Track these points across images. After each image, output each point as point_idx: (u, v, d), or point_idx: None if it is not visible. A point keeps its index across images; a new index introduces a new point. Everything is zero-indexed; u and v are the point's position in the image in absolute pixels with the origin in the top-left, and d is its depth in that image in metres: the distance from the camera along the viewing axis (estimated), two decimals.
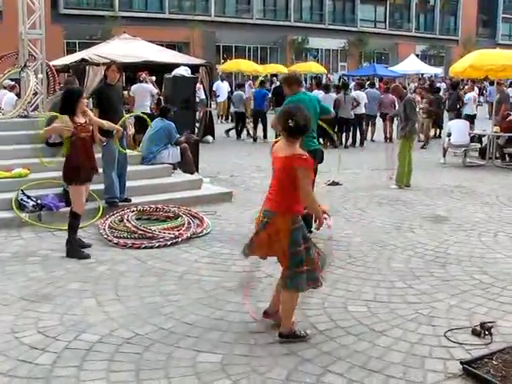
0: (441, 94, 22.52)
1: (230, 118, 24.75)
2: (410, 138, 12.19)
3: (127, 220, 8.43)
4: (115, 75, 9.57)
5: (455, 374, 4.55)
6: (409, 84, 38.15)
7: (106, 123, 8.40)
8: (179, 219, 8.75)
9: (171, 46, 33.58)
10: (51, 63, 14.02)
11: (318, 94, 20.50)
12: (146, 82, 16.89)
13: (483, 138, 16.97)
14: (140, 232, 8.18)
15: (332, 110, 9.97)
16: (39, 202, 8.92)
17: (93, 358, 4.77)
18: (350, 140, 19.47)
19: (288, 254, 4.98)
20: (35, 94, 11.89)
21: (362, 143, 19.41)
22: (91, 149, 7.74)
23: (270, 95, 21.37)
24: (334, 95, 19.04)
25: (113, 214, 8.69)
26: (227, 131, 21.37)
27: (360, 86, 21.45)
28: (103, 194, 9.32)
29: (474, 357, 4.72)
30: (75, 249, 7.40)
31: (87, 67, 16.38)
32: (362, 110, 19.48)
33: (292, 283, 5.02)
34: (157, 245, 7.86)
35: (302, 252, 4.99)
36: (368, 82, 27.44)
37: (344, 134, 19.31)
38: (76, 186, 7.46)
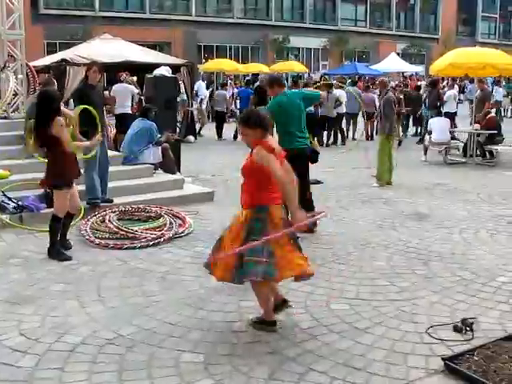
0: (421, 91, 22.58)
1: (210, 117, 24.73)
2: (390, 136, 12.25)
3: (109, 221, 8.41)
4: (96, 76, 9.53)
5: (437, 370, 4.58)
6: (390, 82, 38.27)
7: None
8: (161, 219, 8.73)
9: (152, 45, 33.44)
10: (31, 64, 13.94)
11: None
12: (128, 82, 16.84)
13: (456, 134, 17.06)
14: (122, 233, 8.16)
15: (318, 92, 9.74)
16: (20, 203, 8.87)
17: (75, 359, 4.75)
18: (332, 138, 19.55)
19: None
20: (15, 94, 11.82)
21: (343, 141, 19.45)
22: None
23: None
24: None
25: (94, 215, 8.66)
26: (198, 132, 21.23)
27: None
28: (84, 195, 9.27)
29: (456, 353, 4.75)
30: (55, 251, 7.34)
31: (68, 68, 16.29)
32: (342, 108, 19.55)
33: None
34: (139, 245, 7.84)
35: None
36: (349, 81, 27.52)
37: (326, 133, 19.37)
38: (63, 190, 7.38)
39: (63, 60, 16.77)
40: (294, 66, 43.73)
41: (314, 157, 8.40)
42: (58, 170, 7.28)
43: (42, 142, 7.35)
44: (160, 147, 11.66)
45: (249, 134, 5.15)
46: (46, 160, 7.58)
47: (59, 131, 7.11)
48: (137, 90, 16.84)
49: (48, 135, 7.14)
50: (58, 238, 7.44)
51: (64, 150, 7.25)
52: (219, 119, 21.34)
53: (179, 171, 12.29)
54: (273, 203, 5.10)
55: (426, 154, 15.74)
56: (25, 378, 4.46)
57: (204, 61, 45.11)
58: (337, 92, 19.75)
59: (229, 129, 20.89)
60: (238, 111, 23.14)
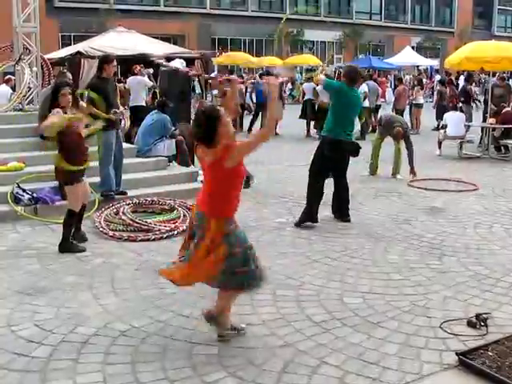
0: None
1: None
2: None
3: (123, 213, 8.43)
4: (113, 70, 9.52)
5: (451, 365, 4.56)
6: (404, 76, 38.13)
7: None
8: (175, 212, 8.75)
9: (166, 38, 33.42)
10: (46, 56, 13.98)
11: (309, 86, 20.54)
12: (142, 74, 16.85)
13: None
14: (136, 225, 8.18)
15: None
16: (35, 195, 8.90)
17: (89, 350, 4.77)
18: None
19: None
20: (30, 87, 11.86)
21: (363, 136, 19.15)
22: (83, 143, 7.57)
23: None
24: None
25: (108, 207, 8.69)
26: None
27: (363, 79, 21.31)
28: (98, 187, 9.30)
29: (470, 348, 4.73)
30: (68, 245, 7.33)
31: (82, 60, 16.31)
32: (366, 103, 19.45)
33: None
34: (152, 237, 7.86)
35: None
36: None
37: None
38: (73, 185, 7.38)
39: (78, 52, 16.78)
40: (309, 60, 43.62)
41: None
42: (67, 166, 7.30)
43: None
44: (174, 140, 11.68)
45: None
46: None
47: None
48: (151, 83, 16.84)
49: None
50: (72, 232, 7.47)
51: (75, 142, 7.28)
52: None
53: (193, 164, 12.29)
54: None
55: (440, 148, 15.66)
56: (39, 368, 4.49)
57: (218, 54, 45.12)
58: (363, 86, 19.64)
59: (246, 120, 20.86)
60: (254, 105, 23.03)
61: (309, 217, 8.38)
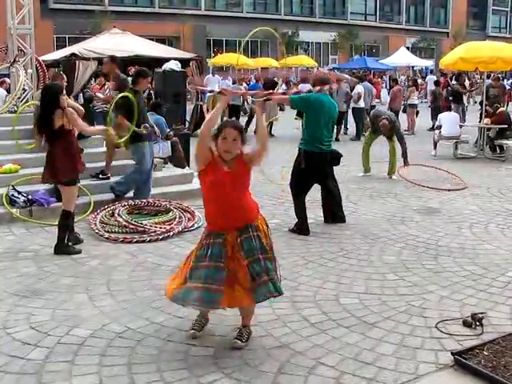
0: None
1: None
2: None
3: (118, 215, 8.42)
4: (147, 84, 9.58)
5: (446, 364, 4.56)
6: (399, 76, 38.21)
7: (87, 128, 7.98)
8: (170, 213, 8.74)
9: (161, 40, 33.48)
10: (41, 58, 13.96)
11: (305, 87, 20.59)
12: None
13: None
14: (131, 226, 8.16)
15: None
16: (30, 197, 8.89)
17: (85, 352, 4.76)
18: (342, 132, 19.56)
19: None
20: (25, 89, 11.84)
21: (358, 136, 19.19)
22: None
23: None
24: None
25: (104, 209, 8.67)
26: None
27: (360, 80, 21.36)
28: (116, 184, 9.39)
29: (465, 347, 4.73)
30: (64, 246, 7.32)
31: (77, 62, 16.30)
32: (361, 103, 19.53)
33: None
34: (148, 239, 7.85)
35: None
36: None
37: (335, 127, 19.27)
38: (76, 185, 7.41)
39: (73, 54, 16.77)
40: (304, 61, 43.68)
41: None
42: (70, 165, 7.26)
43: (47, 136, 7.29)
44: (169, 141, 11.67)
45: (238, 141, 4.85)
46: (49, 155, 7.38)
47: (66, 122, 7.11)
48: None
49: (53, 129, 7.10)
50: (67, 234, 7.46)
51: (73, 143, 7.29)
52: (234, 113, 21.18)
53: (189, 165, 12.29)
54: None
55: (435, 148, 15.68)
56: (35, 370, 4.48)
57: (213, 55, 45.16)
58: (357, 87, 19.74)
59: (241, 122, 20.82)
60: (249, 106, 23.05)
61: (303, 231, 8.25)
